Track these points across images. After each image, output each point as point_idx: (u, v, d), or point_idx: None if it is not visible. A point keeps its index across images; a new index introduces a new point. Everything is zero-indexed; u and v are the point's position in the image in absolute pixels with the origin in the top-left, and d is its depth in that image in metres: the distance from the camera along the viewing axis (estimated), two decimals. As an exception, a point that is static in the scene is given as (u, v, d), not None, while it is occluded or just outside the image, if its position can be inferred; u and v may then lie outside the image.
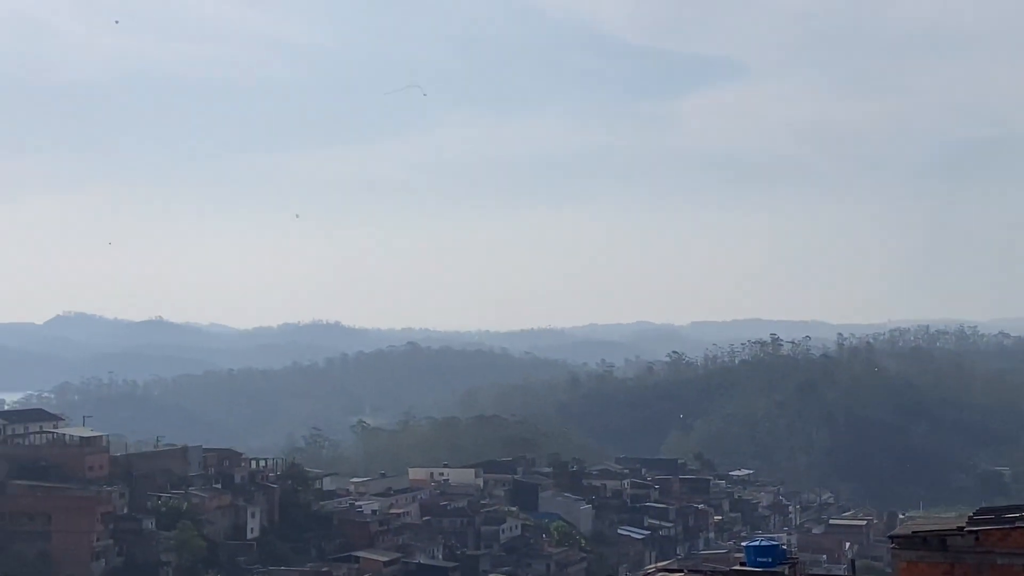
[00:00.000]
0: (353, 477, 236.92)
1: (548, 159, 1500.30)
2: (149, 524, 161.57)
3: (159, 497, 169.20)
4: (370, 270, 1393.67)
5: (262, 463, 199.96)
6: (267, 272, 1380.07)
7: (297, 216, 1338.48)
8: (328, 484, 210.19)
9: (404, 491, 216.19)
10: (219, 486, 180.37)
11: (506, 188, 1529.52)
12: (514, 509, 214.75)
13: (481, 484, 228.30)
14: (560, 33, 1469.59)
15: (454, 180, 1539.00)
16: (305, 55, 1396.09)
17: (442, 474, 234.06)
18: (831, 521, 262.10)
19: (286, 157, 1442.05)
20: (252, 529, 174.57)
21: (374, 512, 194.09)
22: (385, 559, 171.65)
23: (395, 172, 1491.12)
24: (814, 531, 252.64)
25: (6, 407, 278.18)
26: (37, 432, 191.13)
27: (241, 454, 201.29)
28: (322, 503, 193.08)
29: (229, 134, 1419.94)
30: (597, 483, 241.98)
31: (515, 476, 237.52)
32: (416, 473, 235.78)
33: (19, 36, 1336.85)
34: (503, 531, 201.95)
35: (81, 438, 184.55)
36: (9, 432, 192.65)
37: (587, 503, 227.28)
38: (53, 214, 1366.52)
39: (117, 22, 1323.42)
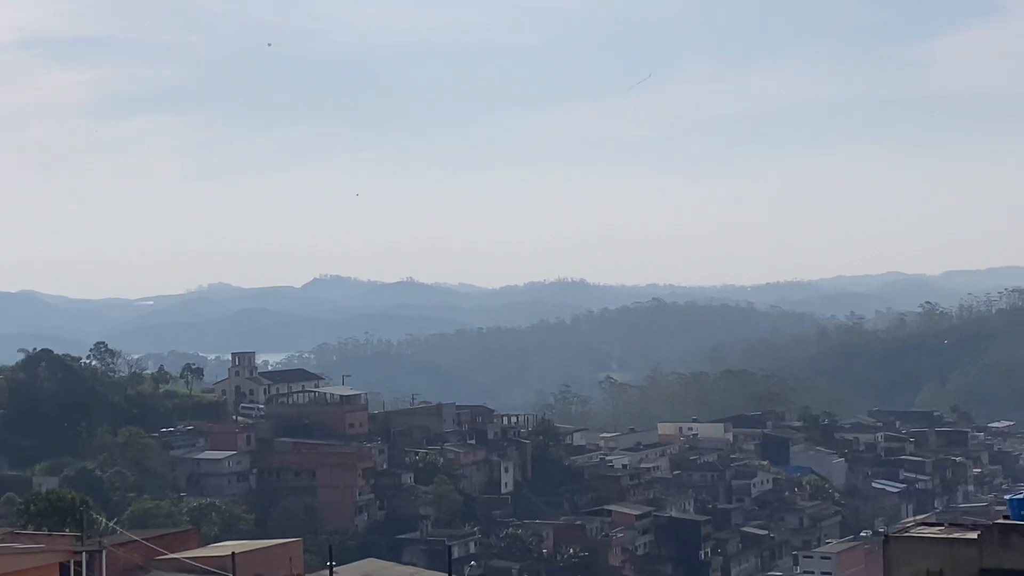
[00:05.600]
0: (603, 432, 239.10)
1: (794, 109, 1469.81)
2: (408, 479, 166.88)
3: (416, 453, 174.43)
4: (614, 227, 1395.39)
5: (513, 419, 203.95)
6: (513, 231, 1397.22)
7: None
8: (578, 439, 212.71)
9: (653, 446, 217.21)
10: (473, 442, 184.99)
11: (750, 140, 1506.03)
12: (765, 463, 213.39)
13: (731, 438, 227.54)
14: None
15: (697, 134, 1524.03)
16: (553, 16, 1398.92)
17: (691, 428, 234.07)
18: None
19: (532, 117, 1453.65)
20: (506, 483, 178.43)
21: (624, 466, 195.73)
22: (637, 512, 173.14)
23: (639, 128, 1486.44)
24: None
25: (270, 368, 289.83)
26: (300, 391, 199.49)
27: (493, 411, 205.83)
28: (573, 458, 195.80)
29: (476, 97, 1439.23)
30: (849, 436, 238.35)
31: (765, 430, 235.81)
32: (665, 428, 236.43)
33: (279, 11, 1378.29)
34: (754, 485, 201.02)
35: (341, 396, 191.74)
36: (273, 391, 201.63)
37: (840, 456, 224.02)
38: (311, 182, 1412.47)
39: None
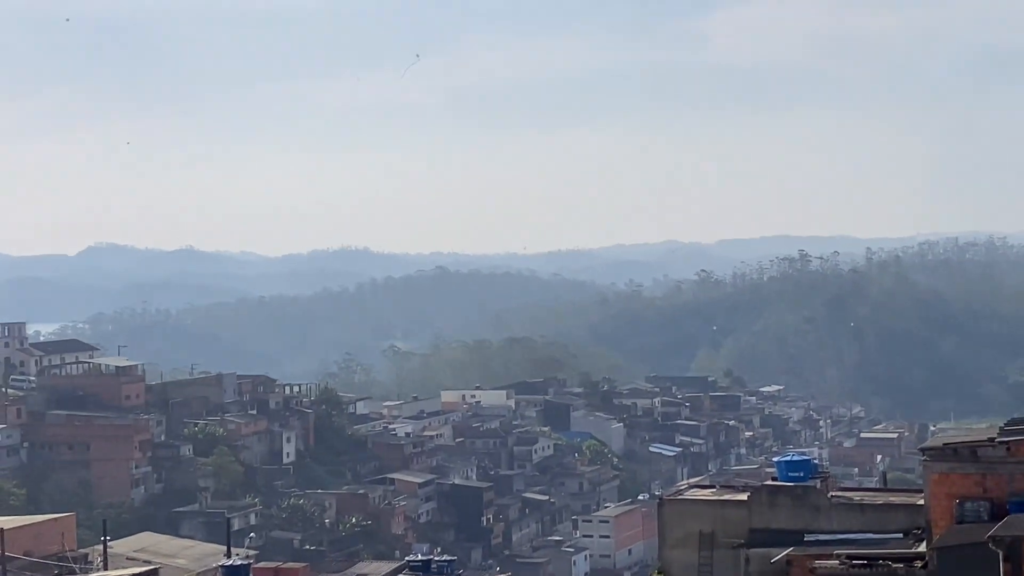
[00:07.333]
0: (386, 401, 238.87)
1: (574, 79, 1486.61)
2: (186, 451, 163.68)
3: (195, 424, 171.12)
4: (398, 195, 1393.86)
5: (296, 388, 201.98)
6: (296, 199, 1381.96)
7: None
8: (361, 408, 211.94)
9: (437, 413, 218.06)
10: (254, 412, 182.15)
11: (532, 110, 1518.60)
12: (546, 429, 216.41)
13: (513, 405, 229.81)
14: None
15: (480, 103, 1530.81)
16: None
17: (474, 396, 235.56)
18: (862, 435, 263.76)
19: (313, 84, 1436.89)
20: (288, 454, 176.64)
21: (408, 435, 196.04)
22: (420, 480, 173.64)
23: (421, 96, 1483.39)
24: (845, 445, 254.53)
25: (42, 338, 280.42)
26: (73, 363, 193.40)
27: (275, 380, 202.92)
28: (356, 427, 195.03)
29: (258, 62, 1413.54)
30: (628, 402, 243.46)
31: (546, 397, 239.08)
32: (448, 396, 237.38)
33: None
34: (535, 451, 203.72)
35: (117, 367, 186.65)
36: (46, 363, 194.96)
37: (618, 422, 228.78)
38: (86, 146, 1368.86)
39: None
